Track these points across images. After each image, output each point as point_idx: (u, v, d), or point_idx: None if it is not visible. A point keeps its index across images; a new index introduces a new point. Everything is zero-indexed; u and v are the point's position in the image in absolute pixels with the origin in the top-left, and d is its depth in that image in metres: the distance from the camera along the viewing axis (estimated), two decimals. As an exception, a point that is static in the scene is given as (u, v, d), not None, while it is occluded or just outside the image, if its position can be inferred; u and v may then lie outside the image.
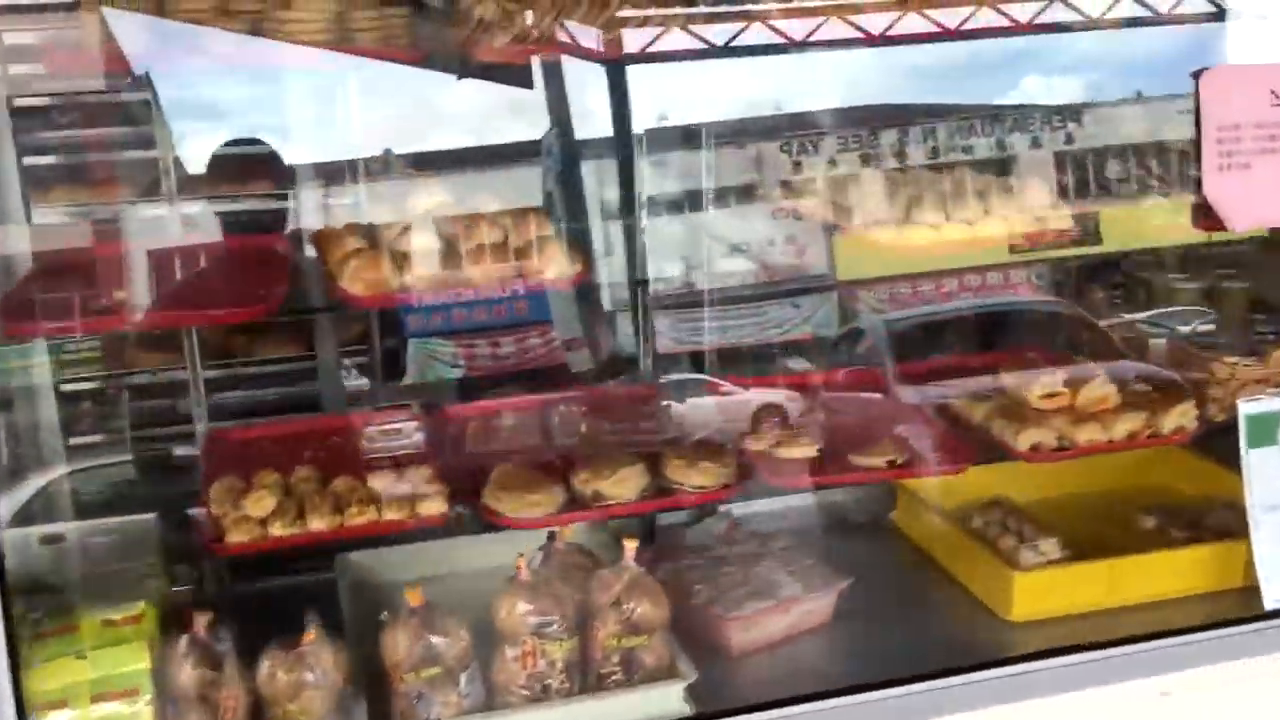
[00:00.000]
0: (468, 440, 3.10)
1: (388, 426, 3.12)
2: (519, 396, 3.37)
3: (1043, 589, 2.91)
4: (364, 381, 4.00)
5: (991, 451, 3.01)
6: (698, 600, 2.92)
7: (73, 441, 3.75)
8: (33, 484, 4.28)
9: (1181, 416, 2.95)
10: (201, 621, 2.53)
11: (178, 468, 3.57)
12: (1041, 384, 3.00)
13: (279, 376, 3.73)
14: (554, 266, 2.65)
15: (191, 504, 2.82)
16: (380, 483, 2.80)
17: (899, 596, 3.13)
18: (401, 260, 2.61)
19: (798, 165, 15.23)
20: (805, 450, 2.94)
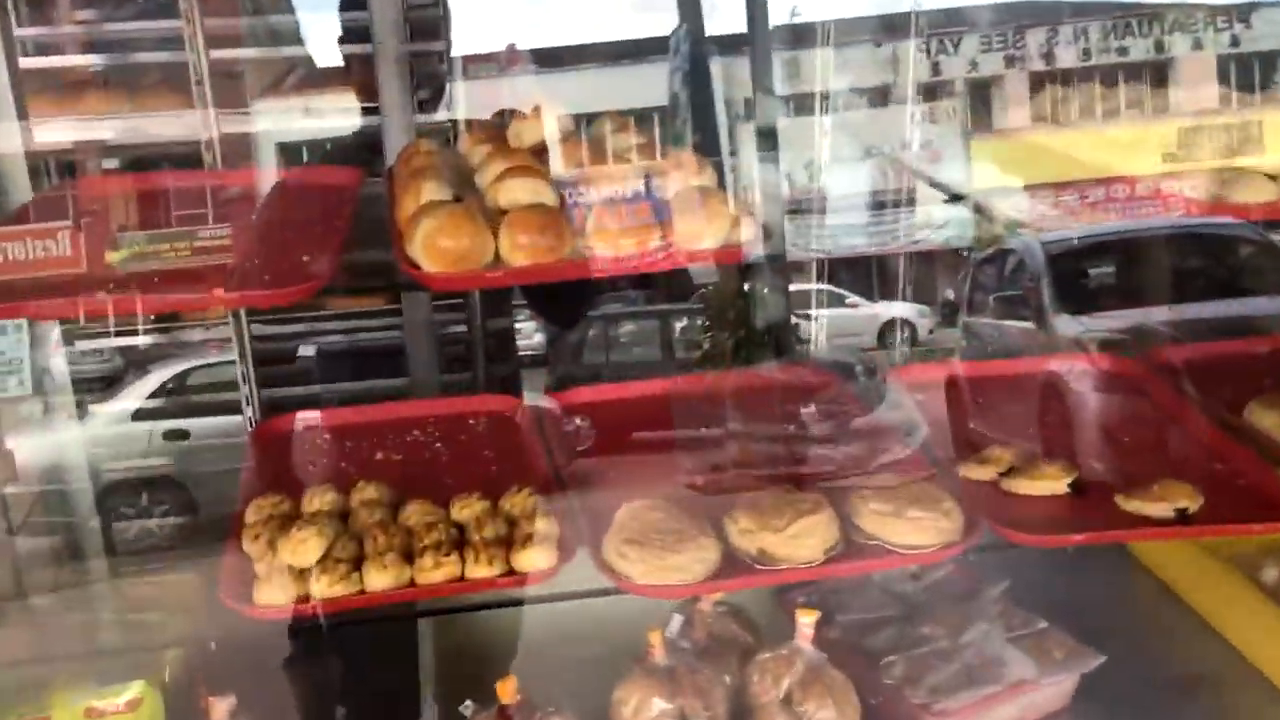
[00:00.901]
0: (587, 449, 2.20)
1: (483, 423, 2.27)
2: (659, 380, 2.43)
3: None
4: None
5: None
6: (889, 679, 2.04)
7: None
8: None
9: None
10: (222, 709, 1.75)
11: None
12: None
13: (351, 332, 2.88)
14: (715, 229, 1.73)
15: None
16: (467, 512, 1.96)
17: (1153, 669, 2.20)
18: (497, 218, 1.71)
19: (936, 66, 13.97)
20: (1051, 484, 2.01)
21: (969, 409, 2.38)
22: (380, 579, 1.80)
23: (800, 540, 1.81)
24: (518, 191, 1.75)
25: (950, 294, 12.24)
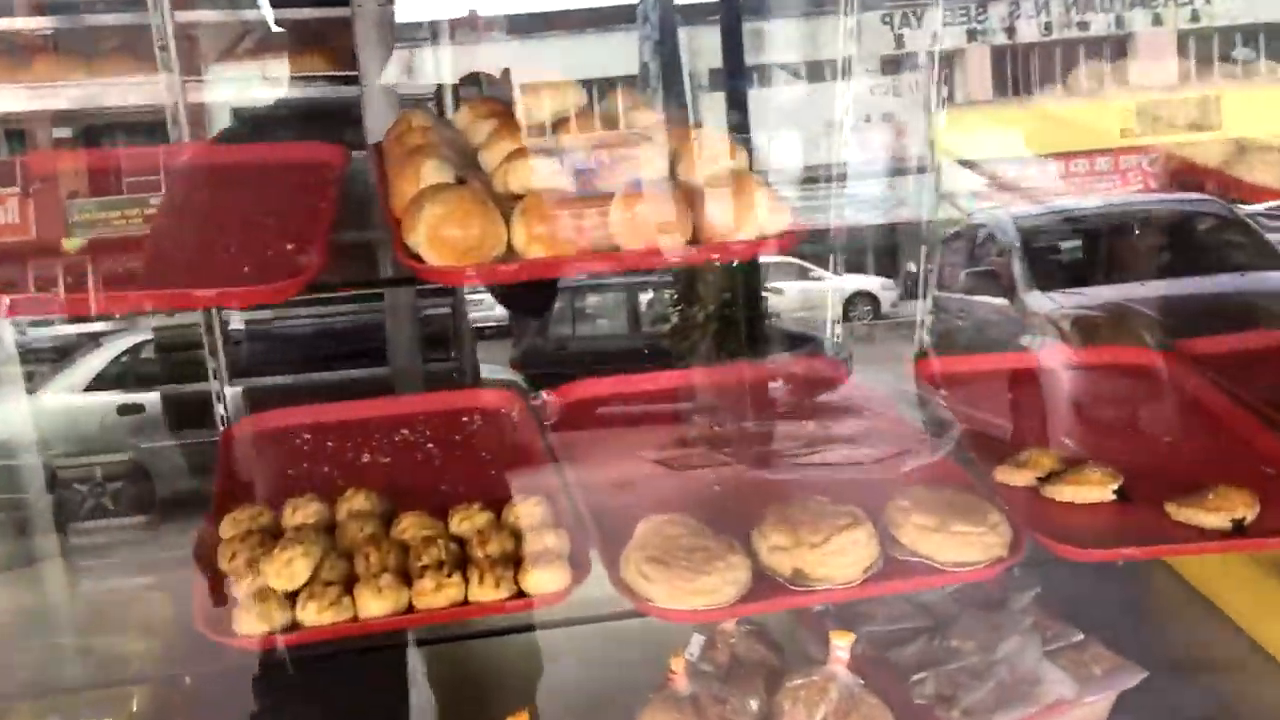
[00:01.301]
0: (596, 452, 2.00)
1: (478, 420, 2.07)
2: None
3: None
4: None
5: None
6: (920, 698, 1.88)
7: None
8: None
9: None
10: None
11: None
12: None
13: (325, 317, 2.67)
14: (755, 218, 1.53)
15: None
16: (468, 525, 1.76)
17: (1189, 684, 2.05)
18: (508, 205, 1.50)
19: (900, 38, 13.82)
20: (1097, 491, 1.84)
21: (994, 405, 2.21)
22: (376, 604, 1.60)
23: (839, 558, 1.63)
24: (531, 174, 1.54)
25: (913, 267, 12.10)
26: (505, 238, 1.49)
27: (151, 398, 8.99)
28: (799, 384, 2.21)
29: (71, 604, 2.19)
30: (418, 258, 1.50)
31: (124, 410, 9.04)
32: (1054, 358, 2.32)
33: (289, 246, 1.55)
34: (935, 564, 1.68)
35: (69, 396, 9.02)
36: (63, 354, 9.35)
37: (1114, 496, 1.85)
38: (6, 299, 1.35)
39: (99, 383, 9.09)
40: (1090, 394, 2.18)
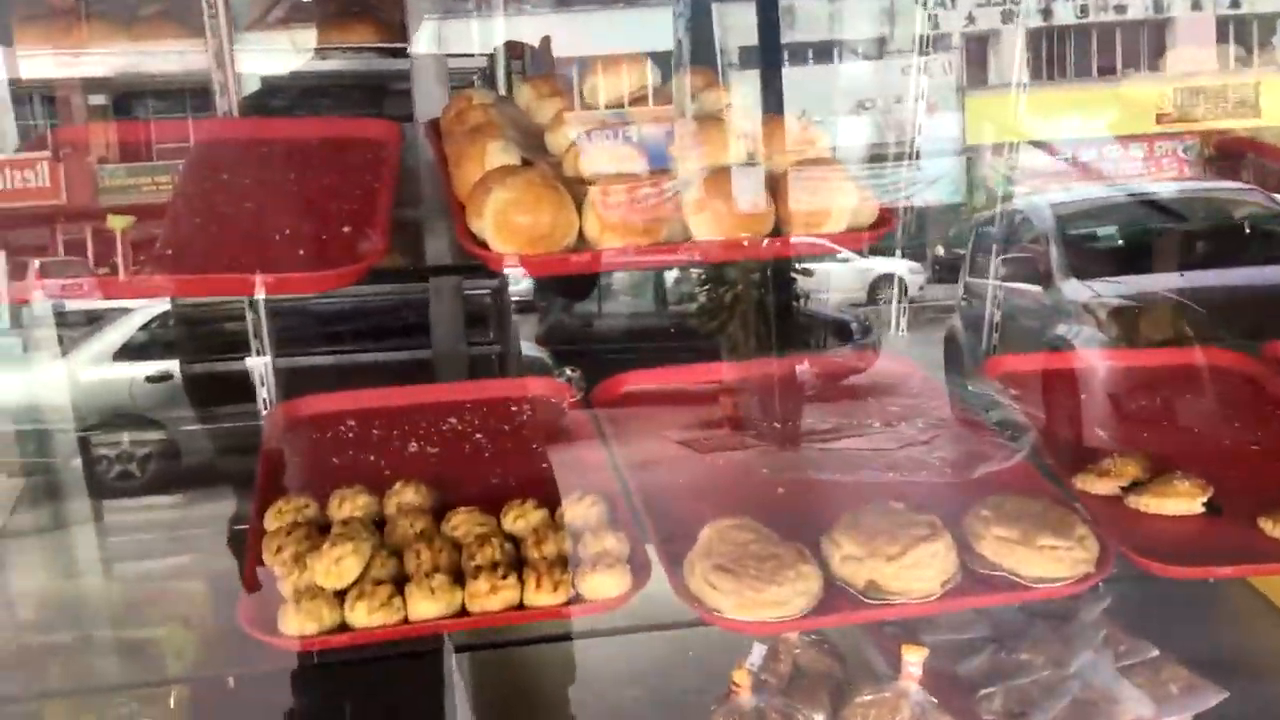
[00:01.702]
0: (652, 446, 1.90)
1: (527, 411, 1.97)
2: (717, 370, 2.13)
3: None
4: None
5: None
6: (988, 714, 1.78)
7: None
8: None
9: None
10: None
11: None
12: None
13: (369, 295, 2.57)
14: (841, 209, 1.42)
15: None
16: (522, 524, 1.66)
17: (1260, 696, 1.95)
18: (579, 190, 1.40)
19: (934, 19, 13.57)
20: (1185, 503, 1.73)
21: (1063, 407, 2.10)
22: (428, 606, 1.51)
23: (916, 571, 1.53)
24: (602, 158, 1.43)
25: (941, 250, 11.92)
26: (577, 225, 1.38)
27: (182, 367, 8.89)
28: (864, 378, 2.11)
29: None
30: (483, 244, 1.40)
31: (153, 379, 8.97)
32: (1129, 357, 2.20)
33: (347, 229, 1.45)
34: (1018, 579, 1.57)
35: (96, 364, 8.95)
36: (92, 320, 9.28)
37: (1203, 509, 1.74)
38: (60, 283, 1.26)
39: (127, 351, 9.01)
40: (1170, 397, 2.06)
